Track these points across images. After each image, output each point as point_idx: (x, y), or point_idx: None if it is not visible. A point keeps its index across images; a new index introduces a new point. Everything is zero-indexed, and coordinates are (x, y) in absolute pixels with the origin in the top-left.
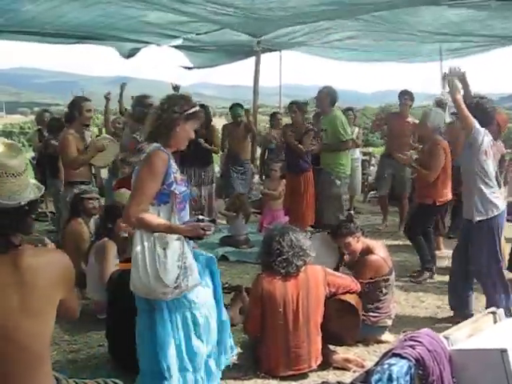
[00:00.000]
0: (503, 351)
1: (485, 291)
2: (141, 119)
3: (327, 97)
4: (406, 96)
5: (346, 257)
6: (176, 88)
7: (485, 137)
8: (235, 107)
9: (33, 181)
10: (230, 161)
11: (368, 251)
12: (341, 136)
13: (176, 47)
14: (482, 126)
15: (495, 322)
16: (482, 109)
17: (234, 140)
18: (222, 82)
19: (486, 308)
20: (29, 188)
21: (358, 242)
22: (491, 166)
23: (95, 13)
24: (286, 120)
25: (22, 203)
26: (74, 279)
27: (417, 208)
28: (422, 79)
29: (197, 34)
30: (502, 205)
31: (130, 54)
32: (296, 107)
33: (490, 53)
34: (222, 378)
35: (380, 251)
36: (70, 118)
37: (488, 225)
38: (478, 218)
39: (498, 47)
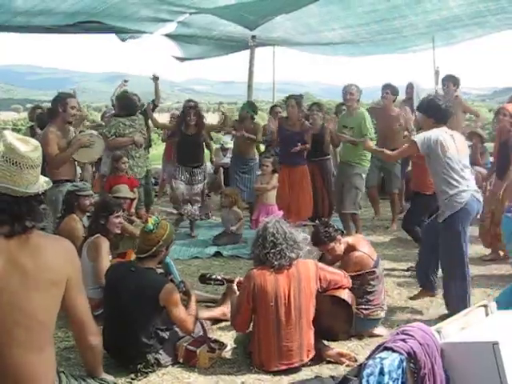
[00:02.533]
0: (495, 344)
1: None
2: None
3: (358, 93)
4: (387, 90)
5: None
6: (155, 78)
7: (439, 137)
8: (244, 105)
9: (40, 175)
10: (234, 160)
11: (350, 249)
12: (367, 135)
13: (169, 36)
14: (440, 123)
15: (487, 315)
16: (434, 106)
17: (238, 139)
18: (215, 78)
19: None
20: (40, 180)
21: (340, 245)
22: (455, 158)
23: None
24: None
25: (39, 192)
26: (78, 264)
27: (413, 198)
28: (414, 73)
29: (191, 14)
30: (467, 196)
31: (125, 38)
32: (295, 102)
33: (482, 45)
34: (215, 374)
35: (362, 247)
36: (53, 114)
37: (456, 217)
38: (443, 218)
39: (495, 32)
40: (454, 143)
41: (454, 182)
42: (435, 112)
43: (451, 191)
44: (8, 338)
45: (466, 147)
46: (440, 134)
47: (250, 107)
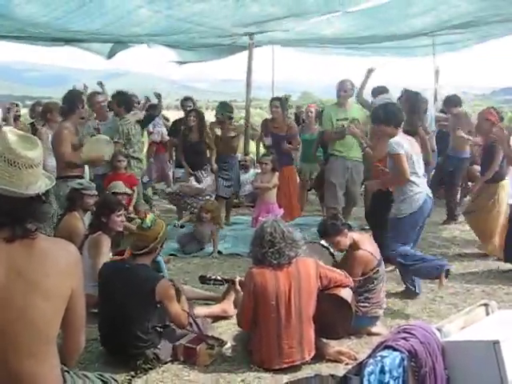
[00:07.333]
0: (495, 343)
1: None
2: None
3: (352, 90)
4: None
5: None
6: (100, 84)
7: (404, 144)
8: (218, 108)
9: (42, 171)
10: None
11: (355, 246)
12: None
13: (167, 45)
14: (398, 128)
15: (487, 314)
16: (391, 113)
17: (217, 138)
18: (214, 76)
19: None
20: (42, 178)
21: (346, 238)
22: (416, 162)
23: (90, 26)
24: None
25: (40, 193)
26: (82, 272)
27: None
28: (414, 73)
29: (189, 47)
30: (422, 197)
31: (110, 55)
32: (278, 103)
33: (482, 47)
34: (215, 371)
35: (367, 245)
36: (68, 111)
37: (410, 218)
38: (399, 216)
39: (494, 38)
40: (412, 148)
41: (414, 185)
42: (393, 119)
43: (411, 192)
44: (13, 349)
45: (419, 151)
46: (403, 140)
47: (224, 109)
